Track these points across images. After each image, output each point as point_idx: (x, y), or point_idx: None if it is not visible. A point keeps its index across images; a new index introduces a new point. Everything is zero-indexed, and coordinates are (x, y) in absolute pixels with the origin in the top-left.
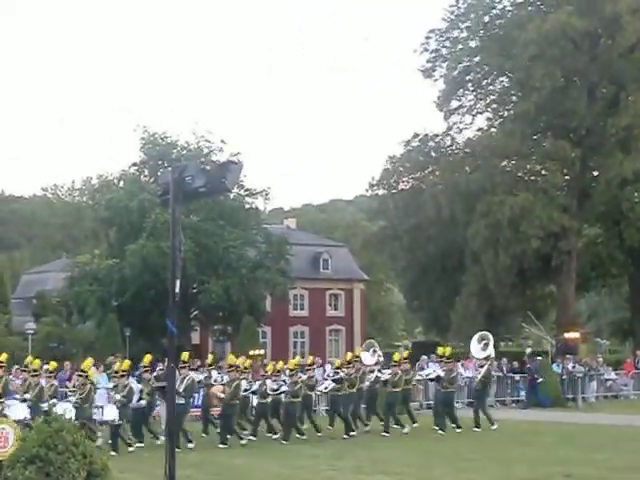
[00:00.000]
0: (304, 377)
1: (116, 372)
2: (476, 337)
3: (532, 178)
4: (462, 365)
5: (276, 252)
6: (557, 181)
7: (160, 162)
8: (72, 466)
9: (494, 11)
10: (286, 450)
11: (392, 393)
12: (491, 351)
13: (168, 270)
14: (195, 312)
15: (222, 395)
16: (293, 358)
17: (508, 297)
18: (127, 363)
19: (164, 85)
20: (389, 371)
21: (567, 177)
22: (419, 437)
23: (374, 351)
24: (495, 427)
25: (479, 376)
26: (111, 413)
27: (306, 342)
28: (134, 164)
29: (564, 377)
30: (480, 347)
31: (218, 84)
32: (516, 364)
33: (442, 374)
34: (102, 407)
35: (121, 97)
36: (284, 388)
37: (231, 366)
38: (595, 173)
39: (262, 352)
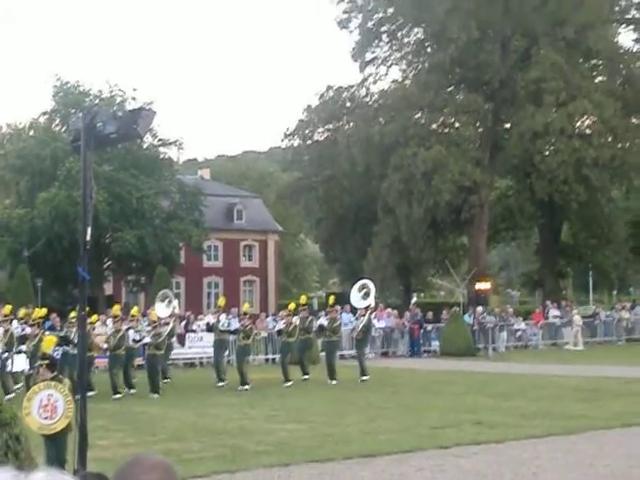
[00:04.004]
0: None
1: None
2: (357, 286)
3: (445, 131)
4: (375, 316)
5: (190, 203)
6: (470, 134)
7: (72, 111)
8: None
9: None
10: (200, 399)
11: (286, 343)
12: (372, 301)
13: (80, 219)
14: (108, 262)
15: (105, 345)
16: (208, 308)
17: (422, 249)
18: (39, 312)
19: (78, 34)
20: (283, 320)
21: (480, 130)
22: (333, 387)
23: (169, 302)
24: (366, 378)
25: (360, 325)
26: (21, 363)
27: (220, 293)
28: (45, 112)
29: (475, 327)
30: (360, 296)
31: (132, 34)
32: (430, 315)
33: (325, 323)
34: (12, 358)
35: (34, 45)
36: (147, 340)
37: (116, 316)
38: (507, 126)
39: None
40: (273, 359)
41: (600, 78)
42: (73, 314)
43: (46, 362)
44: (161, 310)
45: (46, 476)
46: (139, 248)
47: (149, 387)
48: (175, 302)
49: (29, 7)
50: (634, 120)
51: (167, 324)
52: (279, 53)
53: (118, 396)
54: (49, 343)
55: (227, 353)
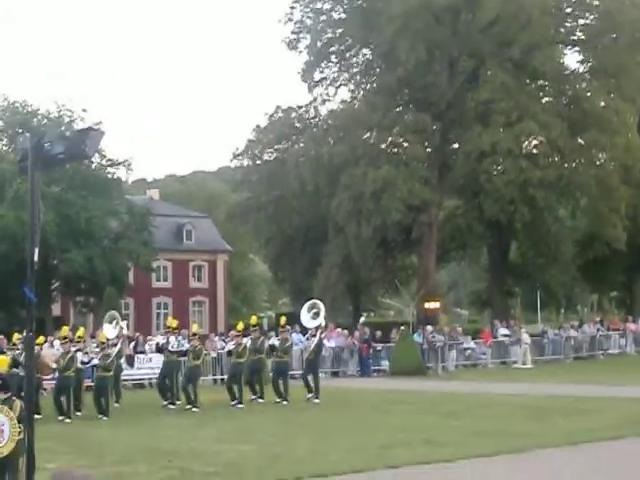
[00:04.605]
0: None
1: None
2: (306, 306)
3: (394, 151)
4: (325, 336)
5: (139, 223)
6: (418, 154)
7: (20, 131)
8: None
9: None
10: (149, 420)
11: (236, 364)
12: (322, 321)
13: (27, 240)
14: (56, 283)
15: (54, 365)
16: (157, 329)
17: (371, 268)
18: None
19: (25, 52)
20: (233, 341)
21: (428, 150)
22: (283, 407)
23: (117, 323)
24: (318, 400)
25: (312, 345)
26: None
27: (169, 313)
28: None
29: (425, 346)
30: (310, 316)
31: (80, 52)
32: (379, 334)
33: (277, 343)
34: None
35: None
36: (95, 361)
37: (64, 338)
38: (455, 146)
39: (125, 323)
40: (222, 379)
41: (546, 99)
42: (17, 336)
43: None
44: (109, 331)
45: None
46: (88, 269)
47: (96, 409)
48: (123, 323)
49: None
50: (580, 140)
51: (115, 345)
52: (228, 73)
53: (68, 421)
54: (2, 363)
55: (179, 375)
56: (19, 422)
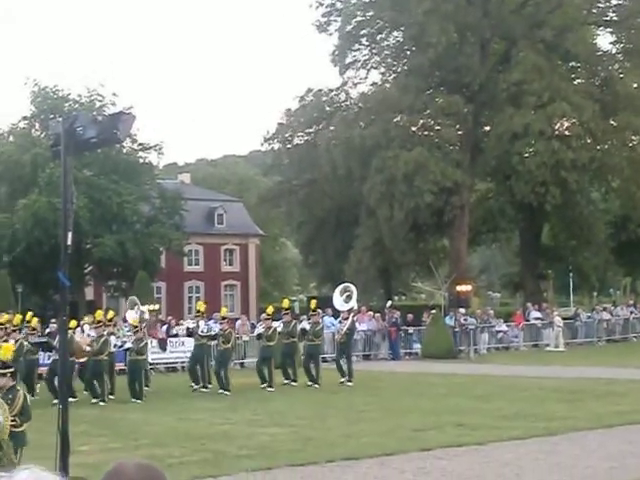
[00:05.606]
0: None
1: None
2: (339, 289)
3: (426, 133)
4: (357, 319)
5: (170, 207)
6: (450, 136)
7: (52, 116)
8: None
9: None
10: (182, 404)
11: (266, 347)
12: (354, 304)
13: (60, 225)
14: (89, 267)
15: (88, 348)
16: (189, 313)
17: (404, 251)
18: (19, 318)
19: (55, 37)
20: (263, 324)
21: (460, 132)
22: (315, 390)
23: (138, 308)
24: (350, 384)
25: (344, 329)
26: None
27: (201, 297)
28: (24, 117)
29: (456, 329)
30: (342, 299)
31: (111, 37)
32: (410, 317)
33: (308, 327)
34: None
35: (10, 49)
36: (128, 345)
37: (98, 322)
38: (487, 128)
39: (157, 307)
40: (242, 363)
41: (579, 80)
42: (35, 320)
43: (10, 371)
44: (131, 317)
45: (30, 474)
46: (120, 253)
47: (130, 393)
48: (144, 307)
49: (5, 14)
50: (612, 122)
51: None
52: (259, 56)
53: (102, 404)
54: (7, 351)
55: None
56: (22, 414)
